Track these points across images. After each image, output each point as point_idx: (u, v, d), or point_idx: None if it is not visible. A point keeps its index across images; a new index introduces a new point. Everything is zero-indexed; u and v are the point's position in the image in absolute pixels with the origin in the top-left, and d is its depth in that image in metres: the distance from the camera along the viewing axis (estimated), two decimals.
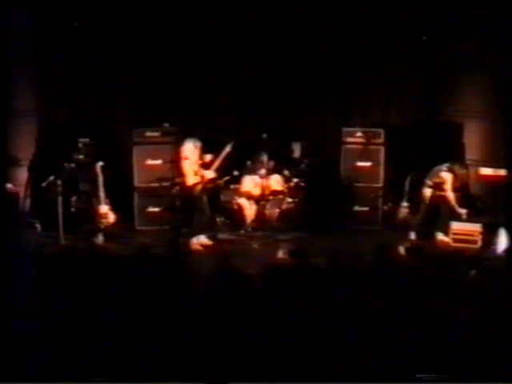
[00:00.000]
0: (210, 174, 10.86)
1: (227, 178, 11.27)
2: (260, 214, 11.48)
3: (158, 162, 11.81)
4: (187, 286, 5.48)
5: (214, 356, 5.02)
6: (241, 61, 12.24)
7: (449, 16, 11.85)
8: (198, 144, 10.85)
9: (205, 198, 10.79)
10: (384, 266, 5.96)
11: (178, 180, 11.14)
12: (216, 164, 10.91)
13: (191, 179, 10.80)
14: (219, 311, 5.21)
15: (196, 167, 10.82)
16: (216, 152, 10.92)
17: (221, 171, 11.05)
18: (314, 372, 4.99)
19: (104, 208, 11.09)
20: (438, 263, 5.98)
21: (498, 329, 5.31)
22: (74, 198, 11.13)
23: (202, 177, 10.80)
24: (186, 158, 10.83)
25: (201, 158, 10.84)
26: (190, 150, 10.83)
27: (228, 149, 10.92)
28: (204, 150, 10.86)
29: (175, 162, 11.24)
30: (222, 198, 11.62)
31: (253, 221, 11.46)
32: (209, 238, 10.71)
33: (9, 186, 10.33)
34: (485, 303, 5.52)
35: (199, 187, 10.79)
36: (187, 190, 10.86)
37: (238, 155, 11.20)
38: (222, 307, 5.23)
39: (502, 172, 10.75)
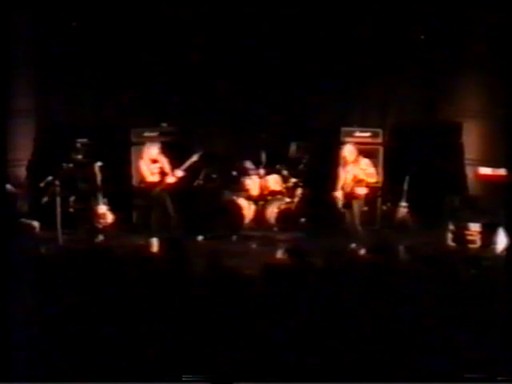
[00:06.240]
0: (170, 178, 10.93)
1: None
2: (258, 214, 11.48)
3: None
4: (189, 286, 5.48)
5: (218, 356, 5.02)
6: (239, 60, 12.23)
7: (448, 16, 11.87)
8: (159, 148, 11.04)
9: (167, 198, 10.86)
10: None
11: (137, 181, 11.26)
12: (182, 167, 10.96)
13: (149, 178, 10.91)
14: (222, 311, 5.21)
15: (155, 169, 10.93)
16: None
17: (188, 177, 11.14)
18: (317, 372, 4.99)
19: (102, 208, 11.09)
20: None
21: (499, 329, 5.31)
22: (72, 198, 11.13)
23: (162, 177, 10.89)
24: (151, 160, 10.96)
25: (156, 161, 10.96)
26: (154, 152, 10.98)
27: (195, 158, 11.01)
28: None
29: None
30: (221, 197, 11.61)
31: (251, 221, 11.46)
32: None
33: (8, 186, 10.34)
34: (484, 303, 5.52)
35: (159, 187, 10.86)
36: (148, 190, 10.98)
37: (237, 156, 11.19)
38: (224, 307, 5.23)
39: (502, 172, 10.74)
